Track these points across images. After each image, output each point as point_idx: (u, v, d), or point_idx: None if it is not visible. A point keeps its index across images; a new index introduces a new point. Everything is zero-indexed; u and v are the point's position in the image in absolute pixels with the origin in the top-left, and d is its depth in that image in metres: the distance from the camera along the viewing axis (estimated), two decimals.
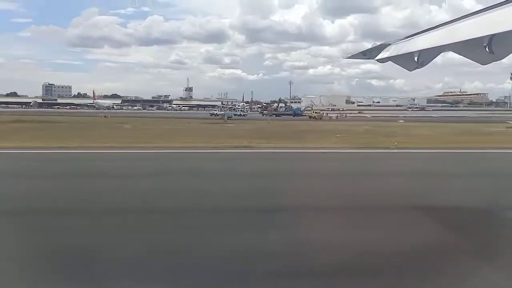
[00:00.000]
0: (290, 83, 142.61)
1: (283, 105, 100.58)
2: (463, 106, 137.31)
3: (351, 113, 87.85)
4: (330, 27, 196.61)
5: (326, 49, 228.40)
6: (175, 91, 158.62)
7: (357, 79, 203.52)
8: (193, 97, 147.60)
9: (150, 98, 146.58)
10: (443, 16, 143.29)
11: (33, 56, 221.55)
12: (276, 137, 26.34)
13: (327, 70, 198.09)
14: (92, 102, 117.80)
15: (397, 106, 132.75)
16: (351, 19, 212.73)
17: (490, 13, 4.31)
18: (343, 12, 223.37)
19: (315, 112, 77.71)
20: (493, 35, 4.55)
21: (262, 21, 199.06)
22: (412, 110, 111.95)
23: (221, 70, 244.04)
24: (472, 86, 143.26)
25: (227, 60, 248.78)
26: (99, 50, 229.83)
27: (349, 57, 8.83)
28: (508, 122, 48.01)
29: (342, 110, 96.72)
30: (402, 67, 7.22)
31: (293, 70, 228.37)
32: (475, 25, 4.54)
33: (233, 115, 71.77)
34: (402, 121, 57.94)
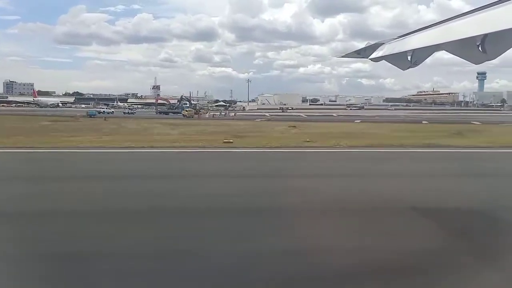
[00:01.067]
0: (248, 81, 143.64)
1: (187, 103, 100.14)
2: (426, 105, 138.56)
3: (292, 112, 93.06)
4: (319, 26, 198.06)
5: (316, 48, 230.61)
6: (166, 90, 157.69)
7: (347, 78, 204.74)
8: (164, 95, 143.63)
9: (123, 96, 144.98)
10: (431, 16, 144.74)
11: (22, 54, 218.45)
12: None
13: (317, 69, 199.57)
14: (33, 100, 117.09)
15: (351, 105, 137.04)
16: (341, 18, 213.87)
17: (483, 13, 4.34)
18: (332, 11, 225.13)
19: (187, 111, 78.06)
20: (486, 35, 4.59)
21: (252, 20, 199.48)
22: (350, 109, 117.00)
23: (211, 68, 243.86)
24: (461, 85, 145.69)
25: (217, 58, 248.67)
26: (88, 48, 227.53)
27: (343, 56, 8.85)
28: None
29: (288, 109, 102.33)
30: (396, 66, 7.25)
31: (283, 68, 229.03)
32: (468, 24, 4.58)
33: (107, 113, 77.27)
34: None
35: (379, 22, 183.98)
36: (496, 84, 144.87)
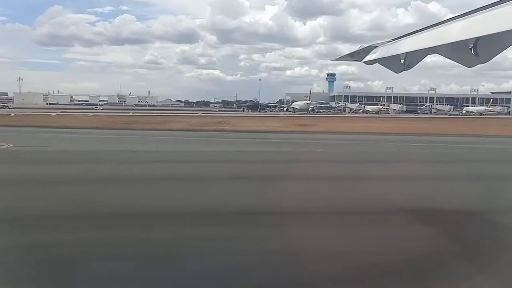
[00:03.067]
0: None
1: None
2: None
3: None
4: (301, 28, 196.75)
5: (300, 51, 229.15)
6: (156, 92, 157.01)
7: (335, 81, 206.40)
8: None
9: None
10: (409, 19, 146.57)
11: (6, 55, 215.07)
12: None
13: (304, 72, 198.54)
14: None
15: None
16: (321, 21, 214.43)
17: (476, 17, 4.39)
18: (309, 14, 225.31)
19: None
20: (478, 38, 4.63)
21: (233, 22, 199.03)
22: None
23: (198, 70, 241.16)
24: (448, 88, 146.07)
25: (203, 60, 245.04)
26: (72, 49, 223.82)
27: (337, 59, 8.92)
28: None
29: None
30: (389, 69, 7.30)
31: (270, 71, 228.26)
32: (460, 28, 4.63)
33: None
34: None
35: (359, 25, 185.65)
36: (482, 87, 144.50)
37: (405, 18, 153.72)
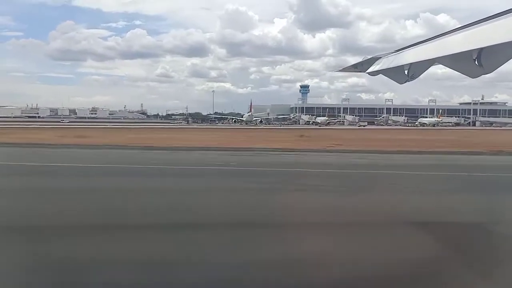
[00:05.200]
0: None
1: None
2: None
3: None
4: (310, 41, 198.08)
5: (309, 63, 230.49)
6: (168, 104, 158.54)
7: (346, 93, 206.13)
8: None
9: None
10: (418, 31, 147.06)
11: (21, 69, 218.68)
12: None
13: (314, 84, 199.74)
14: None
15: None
16: (329, 33, 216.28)
17: (479, 27, 4.36)
18: (317, 27, 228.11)
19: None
20: (482, 49, 4.59)
21: (242, 35, 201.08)
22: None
23: (209, 83, 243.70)
24: (461, 100, 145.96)
25: (213, 73, 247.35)
26: (85, 63, 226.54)
27: (340, 70, 8.91)
28: None
29: None
30: (393, 80, 7.27)
31: (281, 83, 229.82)
32: (464, 38, 4.59)
33: None
34: None
35: (367, 37, 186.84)
36: (495, 98, 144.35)
37: (414, 30, 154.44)
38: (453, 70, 5.91)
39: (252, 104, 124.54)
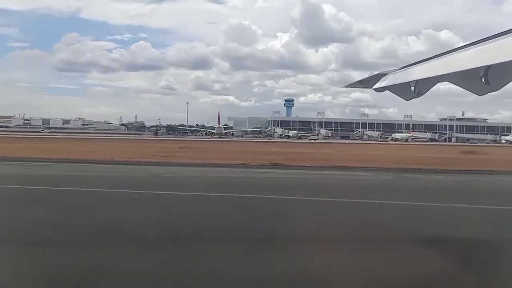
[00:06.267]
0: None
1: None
2: None
3: None
4: (313, 55, 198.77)
5: (312, 77, 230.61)
6: (172, 117, 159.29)
7: (350, 107, 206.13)
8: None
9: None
10: (420, 47, 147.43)
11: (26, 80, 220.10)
12: None
13: (317, 98, 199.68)
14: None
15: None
16: (332, 48, 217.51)
17: (486, 45, 4.37)
18: (320, 41, 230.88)
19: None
20: (489, 66, 4.60)
21: (245, 49, 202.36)
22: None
23: (213, 96, 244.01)
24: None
25: (217, 86, 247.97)
26: (90, 75, 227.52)
27: (347, 86, 8.97)
28: None
29: None
30: (399, 96, 7.27)
31: (283, 97, 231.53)
32: (471, 56, 4.60)
33: None
34: None
35: (370, 53, 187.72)
36: (499, 115, 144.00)
37: (416, 46, 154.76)
38: (457, 86, 5.93)
39: (231, 117, 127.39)
